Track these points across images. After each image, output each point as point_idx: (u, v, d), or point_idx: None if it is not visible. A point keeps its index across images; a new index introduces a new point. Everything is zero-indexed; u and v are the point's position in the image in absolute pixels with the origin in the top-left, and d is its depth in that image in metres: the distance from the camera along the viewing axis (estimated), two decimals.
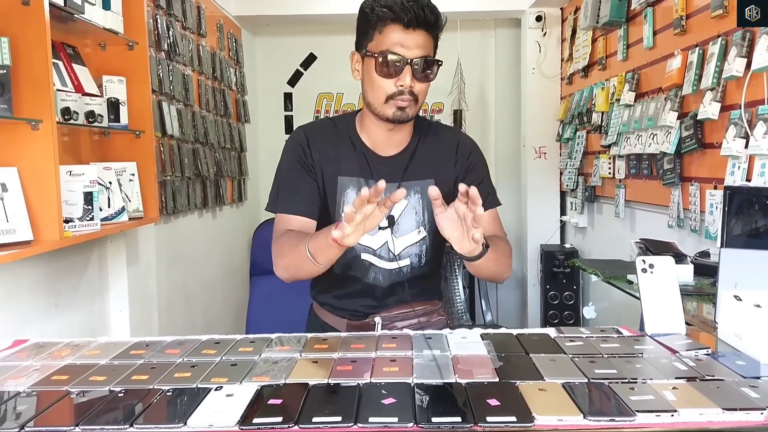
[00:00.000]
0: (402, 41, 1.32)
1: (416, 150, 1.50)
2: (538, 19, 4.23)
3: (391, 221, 1.46)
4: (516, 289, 4.68)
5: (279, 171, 1.50)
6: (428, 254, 1.53)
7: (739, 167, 2.05)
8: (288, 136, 5.41)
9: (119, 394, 0.97)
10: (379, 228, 1.44)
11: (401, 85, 1.34)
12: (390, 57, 1.32)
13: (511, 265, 1.48)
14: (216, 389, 0.97)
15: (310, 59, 4.96)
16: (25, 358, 1.17)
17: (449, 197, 1.45)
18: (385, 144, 1.48)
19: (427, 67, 1.35)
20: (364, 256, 1.49)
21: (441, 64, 1.40)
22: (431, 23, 1.34)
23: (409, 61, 1.32)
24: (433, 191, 1.19)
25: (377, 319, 1.49)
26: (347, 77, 5.16)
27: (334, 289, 1.56)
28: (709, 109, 2.21)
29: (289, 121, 5.04)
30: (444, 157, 1.52)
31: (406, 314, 1.53)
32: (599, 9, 3.30)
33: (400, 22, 1.32)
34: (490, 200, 1.52)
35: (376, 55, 1.34)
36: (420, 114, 1.52)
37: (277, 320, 2.36)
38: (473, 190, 1.13)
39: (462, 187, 1.16)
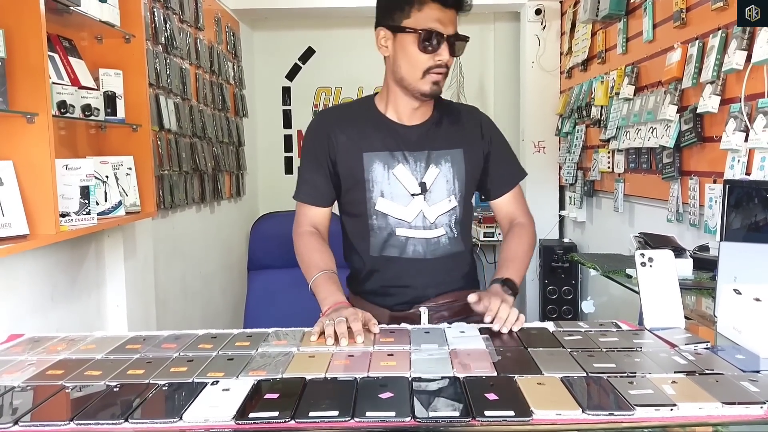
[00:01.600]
0: (441, 19, 1.39)
1: (441, 121, 1.54)
2: (538, 12, 4.21)
3: (424, 188, 1.47)
4: None
5: (301, 157, 1.59)
6: (458, 226, 1.53)
7: (738, 161, 2.04)
8: (286, 130, 5.35)
9: (115, 389, 0.97)
10: (412, 195, 1.47)
11: (439, 60, 1.40)
12: (432, 32, 1.38)
13: (533, 243, 1.58)
14: (212, 384, 0.97)
15: (309, 53, 4.94)
16: (20, 353, 1.16)
17: (478, 168, 1.55)
18: (410, 115, 1.51)
19: (461, 44, 1.43)
20: (399, 231, 1.49)
21: (468, 40, 1.45)
22: (462, 3, 1.42)
23: (446, 37, 1.39)
24: (472, 299, 1.33)
25: (423, 309, 1.46)
26: (346, 71, 5.16)
27: (375, 275, 1.53)
28: (708, 102, 2.20)
29: (287, 115, 5.03)
30: (469, 130, 1.55)
31: (450, 304, 1.51)
32: (599, 2, 3.28)
33: (440, 1, 1.39)
34: (514, 178, 1.61)
35: (419, 31, 1.39)
36: None
37: (275, 315, 2.36)
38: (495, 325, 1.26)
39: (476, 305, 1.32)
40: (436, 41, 1.38)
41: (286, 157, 5.06)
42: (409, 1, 1.40)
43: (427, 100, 1.48)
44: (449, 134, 1.52)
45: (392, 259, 1.50)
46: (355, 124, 1.52)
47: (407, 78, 1.44)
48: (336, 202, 1.58)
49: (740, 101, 2.02)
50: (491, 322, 1.26)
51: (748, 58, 2.00)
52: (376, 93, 1.56)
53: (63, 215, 1.82)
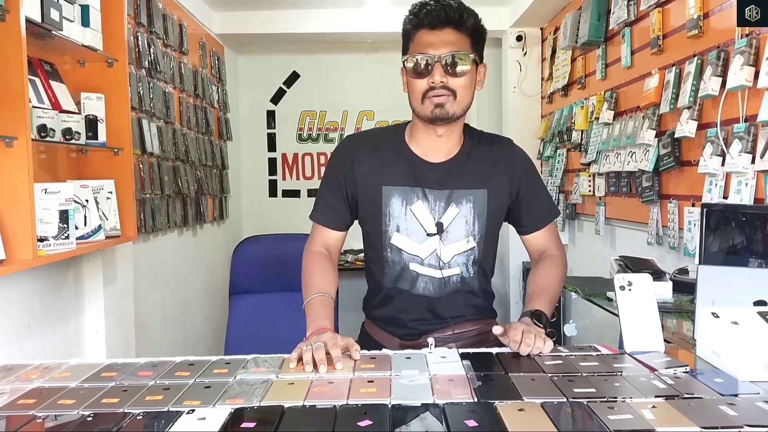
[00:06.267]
0: (430, 42, 1.38)
1: (468, 158, 1.50)
2: (519, 38, 4.29)
3: (440, 228, 1.45)
4: (498, 306, 4.65)
5: (322, 178, 1.58)
6: (476, 266, 1.51)
7: (716, 185, 2.07)
8: (270, 153, 5.33)
9: (88, 419, 0.94)
10: (427, 235, 1.45)
11: (432, 82, 1.38)
12: (419, 57, 1.38)
13: (564, 275, 1.55)
14: (188, 412, 0.95)
15: (293, 77, 4.98)
16: None
17: (503, 209, 1.52)
18: (435, 150, 1.48)
19: (458, 62, 1.37)
20: (412, 267, 1.47)
21: (475, 59, 1.40)
22: (455, 21, 1.38)
23: (437, 58, 1.37)
24: (497, 330, 1.32)
25: (430, 340, 1.39)
26: (330, 95, 5.19)
27: (387, 304, 1.53)
28: (686, 127, 2.24)
29: (271, 138, 5.04)
30: (498, 168, 1.50)
31: (459, 335, 1.49)
32: (578, 29, 3.35)
33: (426, 25, 1.39)
34: (547, 216, 1.56)
35: (409, 58, 1.41)
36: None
37: (257, 340, 2.33)
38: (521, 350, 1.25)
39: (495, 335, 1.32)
40: (425, 64, 1.37)
41: (270, 180, 5.06)
42: (407, 37, 1.44)
43: (444, 129, 1.45)
44: (475, 173, 1.48)
45: (404, 291, 1.50)
46: (379, 154, 1.50)
47: (413, 106, 1.44)
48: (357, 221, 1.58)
49: (716, 126, 2.06)
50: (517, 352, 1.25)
51: (723, 84, 2.04)
52: (408, 122, 1.55)
53: (41, 240, 1.79)
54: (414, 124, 1.51)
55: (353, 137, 1.60)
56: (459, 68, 1.38)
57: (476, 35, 1.42)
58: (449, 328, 1.49)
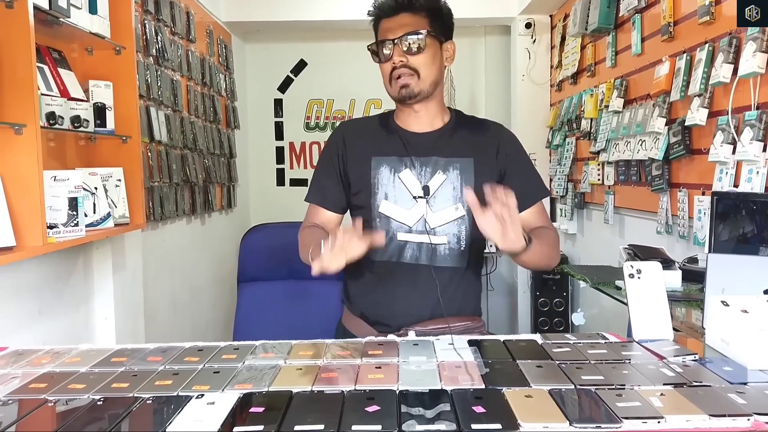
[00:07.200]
0: (389, 27, 1.49)
1: (455, 131, 1.56)
2: (528, 26, 4.25)
3: (426, 191, 1.48)
4: (506, 295, 4.68)
5: (317, 164, 1.65)
6: (468, 239, 1.50)
7: (726, 173, 2.05)
8: (278, 142, 5.34)
9: (98, 403, 0.95)
10: (414, 198, 1.48)
11: (393, 63, 1.48)
12: (379, 44, 1.50)
13: (558, 254, 1.55)
14: (197, 397, 0.96)
15: (301, 65, 4.96)
16: (3, 366, 1.15)
17: (490, 183, 1.45)
18: (417, 124, 1.55)
19: (413, 40, 1.46)
20: (401, 236, 1.49)
21: (428, 33, 1.47)
22: (406, 5, 1.49)
23: (394, 40, 1.47)
24: (470, 197, 1.27)
25: (410, 333, 1.40)
26: (338, 83, 5.17)
27: (371, 283, 1.53)
28: (696, 115, 2.22)
29: (279, 127, 5.03)
30: (485, 142, 1.55)
31: (442, 330, 1.45)
32: (588, 16, 3.31)
33: (382, 15, 1.52)
34: (535, 194, 1.56)
35: (371, 46, 1.52)
36: None
37: (265, 327, 2.34)
38: (508, 197, 1.22)
39: (488, 189, 1.25)
40: (384, 47, 1.48)
41: (278, 169, 5.06)
42: (374, 29, 1.55)
43: (415, 105, 1.51)
44: (461, 143, 1.53)
45: (390, 264, 1.50)
46: (369, 133, 1.59)
47: (387, 89, 1.54)
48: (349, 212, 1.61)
49: (728, 114, 2.04)
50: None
51: (735, 71, 2.02)
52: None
53: (51, 227, 1.80)
54: (396, 107, 1.60)
55: (345, 122, 1.70)
56: (414, 46, 1.46)
57: (434, 14, 1.50)
58: (431, 322, 1.47)
